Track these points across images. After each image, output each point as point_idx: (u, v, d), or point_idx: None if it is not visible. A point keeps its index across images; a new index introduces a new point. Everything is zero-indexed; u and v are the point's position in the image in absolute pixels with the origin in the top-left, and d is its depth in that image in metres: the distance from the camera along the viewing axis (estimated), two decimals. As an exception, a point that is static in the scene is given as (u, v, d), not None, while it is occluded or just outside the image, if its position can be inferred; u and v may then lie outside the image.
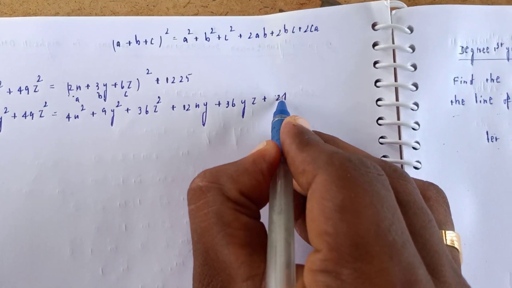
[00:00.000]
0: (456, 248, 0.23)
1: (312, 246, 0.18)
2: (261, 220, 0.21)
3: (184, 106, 0.31)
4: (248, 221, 0.20)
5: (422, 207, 0.20)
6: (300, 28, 0.31)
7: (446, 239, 0.23)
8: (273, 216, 0.20)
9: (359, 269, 0.16)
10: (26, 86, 0.31)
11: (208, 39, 0.31)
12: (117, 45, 0.31)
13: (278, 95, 0.31)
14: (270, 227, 0.19)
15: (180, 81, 0.31)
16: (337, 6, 0.31)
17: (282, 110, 0.28)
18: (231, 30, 0.31)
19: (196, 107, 0.31)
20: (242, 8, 0.33)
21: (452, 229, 0.24)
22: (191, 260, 0.29)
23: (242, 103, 0.31)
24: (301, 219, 0.24)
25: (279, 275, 0.18)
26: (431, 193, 0.24)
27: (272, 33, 0.31)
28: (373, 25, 0.31)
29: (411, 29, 0.31)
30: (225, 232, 0.19)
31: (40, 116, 0.30)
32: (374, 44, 0.31)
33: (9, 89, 0.31)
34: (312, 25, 0.31)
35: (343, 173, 0.18)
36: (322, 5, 0.33)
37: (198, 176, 0.21)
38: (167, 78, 0.31)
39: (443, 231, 0.23)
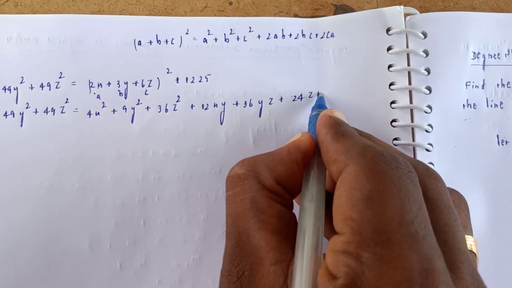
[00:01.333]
0: (474, 252, 0.24)
1: (336, 230, 0.18)
2: (294, 211, 0.22)
3: (202, 105, 0.32)
4: (281, 210, 0.21)
5: (449, 207, 0.20)
6: (317, 34, 0.32)
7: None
8: (305, 203, 0.20)
9: (379, 253, 0.16)
10: (48, 83, 0.31)
11: (227, 40, 0.32)
12: (138, 44, 0.32)
13: (311, 92, 0.32)
14: (301, 214, 0.20)
15: (200, 81, 0.32)
16: (352, 13, 0.32)
17: (320, 105, 0.29)
18: (250, 31, 0.32)
19: (214, 106, 0.32)
20: (257, 12, 0.34)
21: (471, 234, 0.25)
22: (208, 256, 0.30)
23: (259, 103, 0.32)
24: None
25: (307, 257, 0.18)
26: (454, 198, 0.25)
27: (290, 35, 0.32)
28: (387, 30, 0.32)
29: (424, 34, 0.32)
30: (258, 218, 0.20)
31: (62, 112, 0.31)
32: (389, 48, 0.32)
33: (31, 85, 0.31)
34: (328, 32, 0.32)
35: (374, 165, 0.18)
36: (336, 11, 0.34)
37: (237, 164, 0.22)
38: (186, 78, 0.32)
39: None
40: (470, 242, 0.24)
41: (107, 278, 0.30)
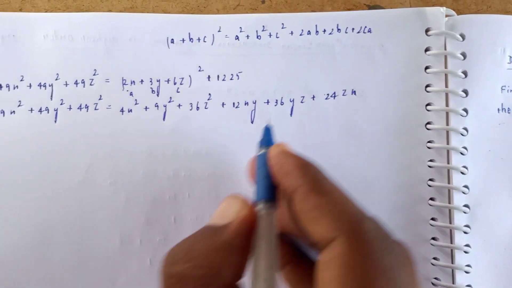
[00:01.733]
0: None
1: None
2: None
3: (233, 103, 0.32)
4: None
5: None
6: (353, 29, 0.31)
7: None
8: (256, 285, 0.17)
9: None
10: (82, 80, 0.31)
11: (259, 37, 0.32)
12: (171, 42, 0.32)
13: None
14: None
15: (231, 79, 0.32)
16: (392, 10, 0.32)
17: (268, 140, 0.24)
18: (282, 28, 0.32)
19: (245, 104, 0.32)
20: (290, 11, 0.34)
21: None
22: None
23: (291, 101, 0.32)
24: (290, 266, 0.22)
25: None
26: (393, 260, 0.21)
27: (324, 31, 0.32)
28: (426, 31, 0.31)
29: (463, 36, 0.31)
30: None
31: (95, 109, 0.31)
32: (426, 49, 0.31)
33: (66, 81, 0.31)
34: (365, 27, 0.31)
35: (371, 250, 0.17)
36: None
37: (170, 257, 0.19)
38: (218, 76, 0.32)
39: None
40: None
41: (137, 274, 0.30)
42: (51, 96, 0.31)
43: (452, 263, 0.30)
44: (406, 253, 0.18)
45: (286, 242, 0.21)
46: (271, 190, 0.21)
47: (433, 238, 0.30)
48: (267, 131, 0.25)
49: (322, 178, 0.19)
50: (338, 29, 0.32)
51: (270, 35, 0.32)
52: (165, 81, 0.32)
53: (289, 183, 0.19)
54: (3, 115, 0.31)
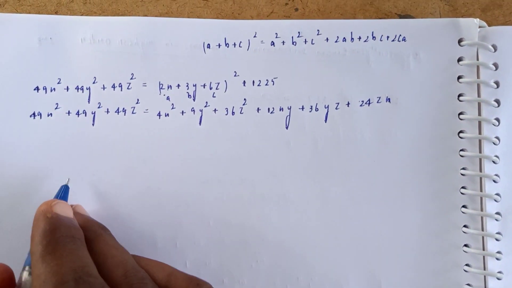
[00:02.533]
0: None
1: None
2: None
3: (268, 109, 0.32)
4: None
5: None
6: (388, 37, 0.32)
7: None
8: None
9: None
10: (120, 83, 0.32)
11: (294, 43, 0.32)
12: (207, 47, 0.32)
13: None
14: None
15: (266, 84, 0.32)
16: (426, 19, 0.32)
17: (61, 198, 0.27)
18: (318, 34, 0.32)
19: (280, 110, 0.32)
20: (323, 19, 0.34)
21: None
22: (270, 258, 0.31)
23: (325, 108, 0.32)
24: None
25: None
26: None
27: (359, 38, 0.32)
28: (459, 41, 0.32)
29: (495, 47, 0.31)
30: None
31: (132, 113, 0.32)
32: (459, 59, 0.32)
33: (103, 85, 0.32)
34: (400, 35, 0.32)
35: None
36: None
37: None
38: (253, 81, 0.32)
39: None
40: None
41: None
42: (89, 99, 0.31)
43: (484, 269, 0.30)
44: None
45: None
46: None
47: (466, 245, 0.31)
48: (64, 189, 0.28)
49: (55, 237, 0.20)
50: (373, 37, 0.32)
51: (305, 42, 0.32)
52: (201, 85, 0.32)
53: (31, 249, 0.20)
54: (40, 118, 0.31)
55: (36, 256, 0.20)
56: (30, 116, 0.31)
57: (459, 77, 0.31)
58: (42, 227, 0.21)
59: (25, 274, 0.21)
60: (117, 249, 0.24)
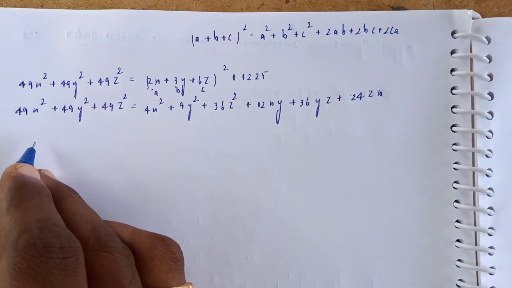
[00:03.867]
0: None
1: None
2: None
3: (258, 103, 0.32)
4: None
5: (116, 279, 0.20)
6: (380, 29, 0.31)
7: None
8: None
9: None
10: (107, 78, 0.31)
11: (285, 36, 0.32)
12: (196, 40, 0.32)
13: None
14: None
15: (256, 78, 0.32)
16: (419, 11, 0.32)
17: (26, 161, 0.27)
18: (308, 26, 0.32)
19: (270, 104, 0.32)
20: (314, 11, 0.34)
21: (177, 284, 0.23)
22: (258, 255, 0.30)
23: (316, 102, 0.31)
24: None
25: None
26: (157, 252, 0.23)
27: (351, 30, 0.31)
28: (452, 33, 0.31)
29: (488, 39, 0.31)
30: None
31: (120, 108, 0.31)
32: (452, 52, 0.31)
33: (90, 80, 0.31)
34: (392, 27, 0.31)
35: (21, 262, 0.17)
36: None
37: None
38: (243, 75, 0.32)
39: None
40: None
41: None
42: (75, 94, 0.31)
43: (477, 265, 0.30)
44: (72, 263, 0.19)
45: None
46: None
47: (458, 240, 0.30)
48: (29, 152, 0.28)
49: (20, 194, 0.21)
50: (365, 29, 0.31)
51: (296, 34, 0.32)
52: (190, 80, 0.31)
53: None
54: (26, 113, 0.31)
55: (1, 210, 0.20)
56: (16, 112, 0.31)
57: (452, 70, 0.31)
58: (7, 185, 0.21)
59: None
60: (85, 208, 0.24)
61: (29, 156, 0.28)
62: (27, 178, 0.23)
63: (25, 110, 0.31)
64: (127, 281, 0.20)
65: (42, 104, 0.31)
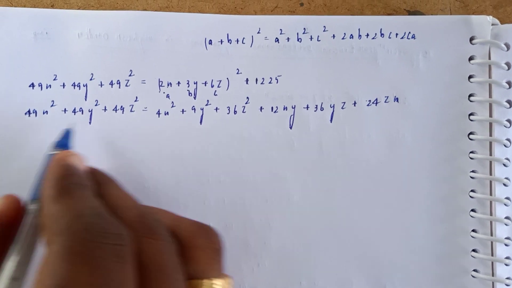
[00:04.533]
0: None
1: None
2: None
3: (272, 108, 0.31)
4: None
5: (162, 266, 0.20)
6: (397, 34, 0.31)
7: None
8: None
9: None
10: (118, 80, 0.31)
11: (300, 40, 0.31)
12: (209, 43, 0.31)
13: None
14: None
15: (269, 82, 0.31)
16: (437, 16, 0.31)
17: (63, 143, 0.26)
18: (324, 30, 0.31)
19: (284, 109, 0.31)
20: (329, 14, 0.33)
21: (217, 275, 0.23)
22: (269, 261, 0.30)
23: (331, 107, 0.31)
24: None
25: None
26: (199, 241, 0.23)
27: (367, 35, 0.31)
28: (471, 39, 0.30)
29: (507, 46, 0.30)
30: None
31: (131, 111, 0.30)
32: (470, 58, 0.30)
33: (101, 82, 0.30)
34: (409, 32, 0.31)
35: (76, 246, 0.17)
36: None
37: None
38: (256, 79, 0.31)
39: (201, 280, 0.22)
40: (214, 285, 0.22)
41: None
42: (86, 96, 0.30)
43: (493, 275, 0.29)
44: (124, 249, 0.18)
45: None
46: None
47: (474, 250, 0.30)
48: (66, 134, 0.26)
49: (67, 183, 0.20)
50: (382, 34, 0.31)
51: (311, 38, 0.31)
52: (203, 83, 0.31)
53: (43, 189, 0.21)
54: (36, 115, 0.30)
55: (49, 197, 0.20)
56: (25, 113, 0.30)
57: (470, 77, 0.30)
58: (57, 172, 0.21)
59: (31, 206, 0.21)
60: (128, 194, 0.24)
61: (66, 138, 0.26)
62: (75, 168, 0.22)
63: (35, 112, 0.30)
64: (171, 269, 0.20)
65: (52, 106, 0.30)
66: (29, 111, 0.30)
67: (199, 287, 0.22)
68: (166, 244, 0.20)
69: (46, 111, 0.30)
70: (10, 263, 0.19)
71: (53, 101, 0.30)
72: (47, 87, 0.30)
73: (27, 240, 0.20)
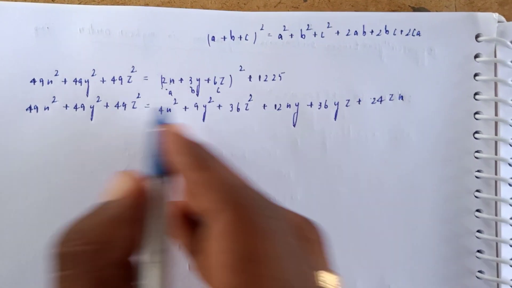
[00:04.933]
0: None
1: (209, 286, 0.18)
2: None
3: (275, 105, 0.31)
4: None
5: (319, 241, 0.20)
6: (402, 31, 0.30)
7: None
8: (148, 267, 0.18)
9: None
10: (120, 76, 0.30)
11: (303, 36, 0.31)
12: (212, 40, 0.31)
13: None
14: (145, 276, 0.18)
15: (273, 80, 0.31)
16: (442, 13, 0.31)
17: (162, 120, 0.24)
18: (328, 27, 0.31)
19: (287, 107, 0.31)
20: (332, 10, 0.33)
21: (325, 269, 0.21)
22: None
23: (335, 104, 0.31)
24: (186, 237, 0.22)
25: None
26: (308, 233, 0.22)
27: (372, 31, 0.31)
28: (476, 36, 0.30)
29: (514, 43, 0.30)
30: None
31: (133, 108, 0.30)
32: (476, 56, 0.30)
33: (103, 78, 0.30)
34: (414, 29, 0.30)
35: (252, 219, 0.17)
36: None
37: (67, 235, 0.18)
38: (259, 76, 0.31)
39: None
40: (323, 278, 0.21)
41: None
42: (87, 92, 0.30)
43: (498, 276, 0.29)
44: (298, 220, 0.19)
45: (183, 215, 0.22)
46: (162, 166, 0.21)
47: (479, 251, 0.29)
48: (162, 112, 0.27)
49: (207, 156, 0.20)
50: (386, 31, 0.31)
51: (315, 35, 0.31)
52: (205, 80, 0.31)
53: (177, 161, 0.20)
54: (37, 111, 0.30)
55: (186, 166, 0.19)
56: (26, 109, 0.30)
57: (475, 75, 0.30)
58: (183, 141, 0.21)
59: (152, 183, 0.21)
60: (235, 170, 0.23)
61: (163, 115, 0.25)
62: (194, 138, 0.22)
63: (36, 107, 0.30)
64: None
65: (53, 102, 0.30)
66: (30, 107, 0.30)
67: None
68: (286, 227, 0.20)
69: (47, 107, 0.30)
70: (155, 238, 0.19)
71: (54, 97, 0.30)
72: (48, 83, 0.30)
73: (162, 213, 0.20)
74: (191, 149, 0.20)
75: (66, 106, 0.30)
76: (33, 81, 0.30)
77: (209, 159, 0.20)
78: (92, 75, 0.30)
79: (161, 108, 0.28)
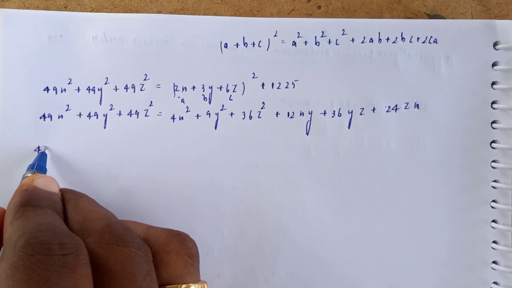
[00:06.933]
0: None
1: None
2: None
3: (288, 113, 0.30)
4: None
5: (130, 274, 0.20)
6: (418, 38, 0.30)
7: None
8: None
9: None
10: (133, 84, 0.30)
11: (318, 44, 0.30)
12: (225, 47, 0.30)
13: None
14: None
15: (286, 87, 0.30)
16: (459, 20, 0.30)
17: (39, 165, 0.26)
18: (343, 34, 0.30)
19: (300, 115, 0.30)
20: (347, 17, 0.32)
21: (193, 280, 0.23)
22: (283, 271, 0.29)
23: (349, 113, 0.30)
24: None
25: None
26: (172, 246, 0.23)
27: (387, 39, 0.30)
28: (494, 44, 0.29)
29: (532, 51, 0.29)
30: None
31: (146, 116, 0.30)
32: (493, 64, 0.29)
33: (116, 86, 0.30)
34: (431, 37, 0.30)
35: (17, 262, 0.17)
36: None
37: None
38: (272, 83, 0.30)
39: (178, 286, 0.22)
40: None
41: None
42: (100, 100, 0.30)
43: (515, 288, 0.29)
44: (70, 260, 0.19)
45: None
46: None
47: (494, 262, 0.29)
48: (41, 157, 0.28)
49: (24, 208, 0.21)
50: (402, 38, 0.30)
51: (329, 42, 0.30)
52: (218, 88, 0.30)
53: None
54: (51, 119, 0.30)
55: (6, 223, 0.20)
56: (40, 118, 0.30)
57: (493, 83, 0.29)
58: (16, 199, 0.21)
59: None
60: (100, 207, 0.24)
61: (40, 160, 0.27)
62: (38, 191, 0.23)
63: (50, 116, 0.30)
64: (141, 277, 0.20)
65: (67, 110, 0.30)
66: (44, 115, 0.30)
67: None
68: (136, 252, 0.21)
69: (61, 116, 0.30)
70: None
71: (68, 105, 0.30)
72: (62, 91, 0.30)
73: None
74: (16, 203, 0.21)
75: (80, 115, 0.30)
76: (47, 89, 0.30)
77: (28, 210, 0.21)
78: (105, 83, 0.30)
79: (42, 154, 0.28)
